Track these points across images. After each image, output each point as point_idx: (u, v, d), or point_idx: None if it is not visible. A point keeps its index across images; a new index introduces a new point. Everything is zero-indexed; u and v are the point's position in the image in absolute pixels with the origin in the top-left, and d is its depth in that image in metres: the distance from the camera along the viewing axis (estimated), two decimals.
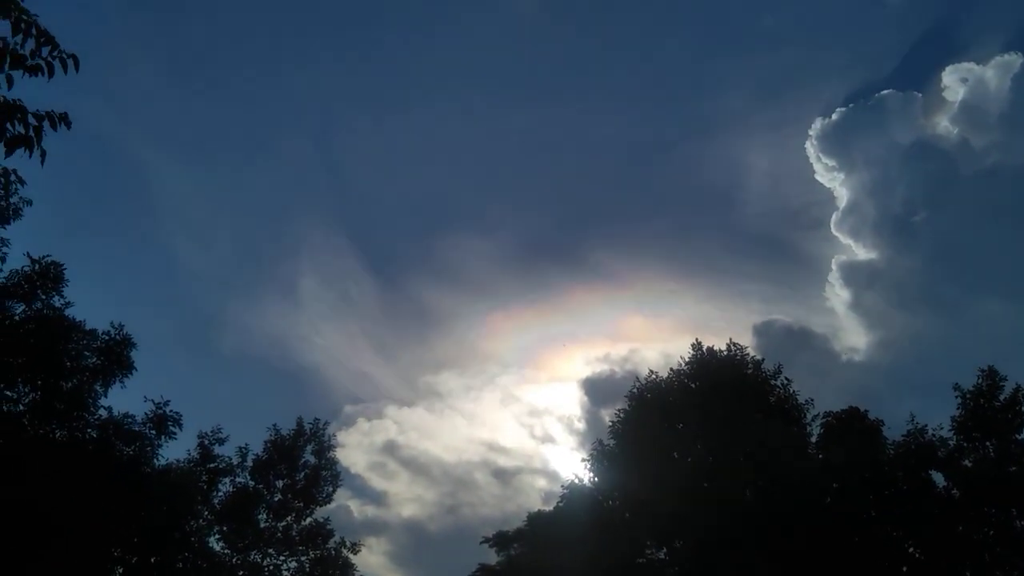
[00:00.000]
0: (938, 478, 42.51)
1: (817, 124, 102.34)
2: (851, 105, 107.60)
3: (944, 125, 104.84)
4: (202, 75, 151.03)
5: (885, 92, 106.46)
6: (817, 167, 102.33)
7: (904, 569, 41.63)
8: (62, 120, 9.63)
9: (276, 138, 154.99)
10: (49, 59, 9.54)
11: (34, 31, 9.42)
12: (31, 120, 9.39)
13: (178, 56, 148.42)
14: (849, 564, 39.47)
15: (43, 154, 9.59)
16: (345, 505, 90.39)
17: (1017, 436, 41.53)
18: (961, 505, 41.04)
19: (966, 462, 42.03)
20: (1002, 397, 42.03)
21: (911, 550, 42.19)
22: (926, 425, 42.96)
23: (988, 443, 41.93)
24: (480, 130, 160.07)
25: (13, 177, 9.93)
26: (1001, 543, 40.04)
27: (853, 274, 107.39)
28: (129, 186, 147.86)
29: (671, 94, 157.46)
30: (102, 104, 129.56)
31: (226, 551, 46.44)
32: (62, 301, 39.90)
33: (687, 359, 47.15)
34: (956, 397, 42.77)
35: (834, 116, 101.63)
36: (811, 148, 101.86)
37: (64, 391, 39.52)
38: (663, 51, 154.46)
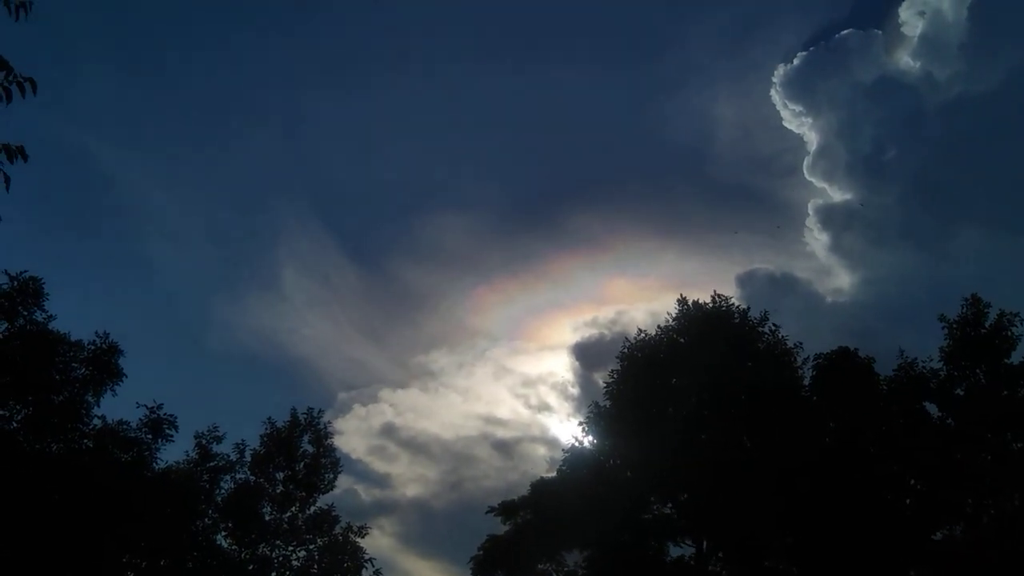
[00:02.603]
0: (932, 409, 42.93)
1: (780, 70, 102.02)
2: (812, 48, 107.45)
3: (906, 60, 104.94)
4: (156, 73, 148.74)
5: (845, 32, 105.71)
6: (784, 114, 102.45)
7: (907, 502, 42.02)
8: (19, 152, 9.49)
9: (240, 129, 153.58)
10: (6, 84, 9.39)
11: None
12: None
13: (132, 57, 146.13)
14: (852, 502, 39.84)
15: (7, 179, 9.47)
16: (352, 489, 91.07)
17: (1006, 361, 41.92)
18: (957, 433, 41.52)
19: (958, 391, 42.49)
20: (987, 324, 42.41)
21: (912, 482, 42.60)
22: (916, 358, 43.48)
23: (978, 370, 42.35)
24: (445, 103, 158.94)
25: None
26: (999, 467, 40.48)
27: (830, 217, 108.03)
28: (97, 193, 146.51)
29: (633, 53, 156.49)
30: (60, 112, 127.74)
31: (234, 547, 46.57)
32: (44, 315, 39.78)
33: (673, 315, 47.33)
34: (943, 328, 43.18)
35: (796, 61, 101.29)
36: (776, 95, 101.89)
37: (56, 405, 39.49)
38: (623, 9, 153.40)
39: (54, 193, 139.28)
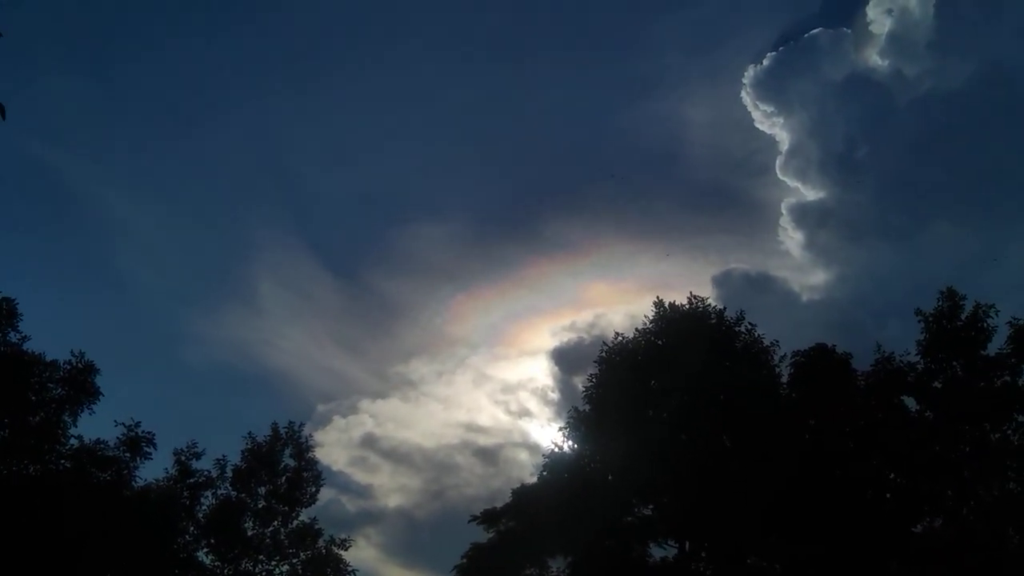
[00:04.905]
0: (910, 402, 42.95)
1: (750, 71, 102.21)
2: (781, 48, 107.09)
3: (875, 58, 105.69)
4: (123, 83, 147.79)
5: (815, 31, 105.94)
6: (755, 114, 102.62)
7: (887, 495, 42.02)
8: None
9: (213, 140, 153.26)
10: None
11: None
12: None
13: (96, 66, 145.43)
14: (833, 498, 39.84)
15: None
16: (337, 499, 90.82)
17: (982, 352, 41.96)
18: (935, 426, 41.55)
19: (935, 383, 42.47)
20: (963, 316, 42.45)
21: (891, 476, 42.63)
22: (893, 352, 43.44)
23: (955, 363, 42.34)
24: (419, 112, 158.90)
25: None
26: (978, 458, 40.54)
27: (804, 215, 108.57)
28: (65, 207, 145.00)
29: (603, 56, 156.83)
30: (22, 123, 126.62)
31: (216, 563, 46.45)
32: (18, 336, 39.75)
33: (650, 318, 47.33)
34: (919, 322, 43.21)
35: (765, 61, 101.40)
36: (747, 96, 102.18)
37: (32, 425, 39.39)
38: (591, 12, 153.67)
39: (20, 208, 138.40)
